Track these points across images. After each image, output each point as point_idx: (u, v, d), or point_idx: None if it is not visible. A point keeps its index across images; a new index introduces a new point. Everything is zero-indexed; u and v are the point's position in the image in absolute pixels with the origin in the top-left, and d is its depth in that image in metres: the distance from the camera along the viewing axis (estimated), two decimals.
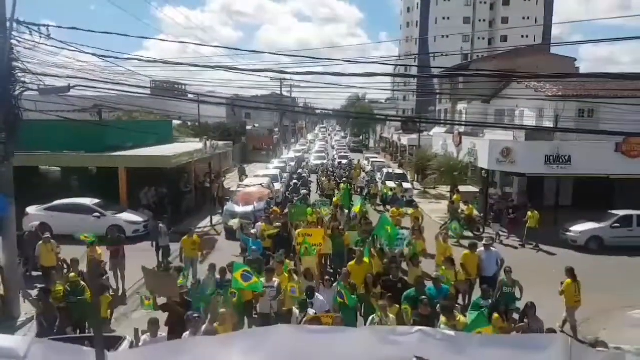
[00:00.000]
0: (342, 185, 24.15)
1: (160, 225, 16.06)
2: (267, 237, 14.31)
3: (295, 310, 8.90)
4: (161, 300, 9.66)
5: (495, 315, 8.98)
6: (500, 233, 20.00)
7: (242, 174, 33.35)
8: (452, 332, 4.48)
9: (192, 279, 12.82)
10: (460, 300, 11.67)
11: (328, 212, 17.83)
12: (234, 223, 16.26)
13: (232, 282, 9.83)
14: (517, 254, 17.28)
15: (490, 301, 9.67)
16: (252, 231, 14.56)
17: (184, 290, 9.80)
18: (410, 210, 18.88)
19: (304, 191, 23.64)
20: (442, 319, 8.53)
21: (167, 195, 22.32)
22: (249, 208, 19.71)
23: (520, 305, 9.92)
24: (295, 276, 10.71)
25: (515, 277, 10.90)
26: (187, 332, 8.02)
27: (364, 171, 35.75)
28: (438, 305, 9.09)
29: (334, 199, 20.84)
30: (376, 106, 76.63)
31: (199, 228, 21.22)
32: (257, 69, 11.39)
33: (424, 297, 9.00)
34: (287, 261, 11.63)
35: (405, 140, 45.89)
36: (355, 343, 4.12)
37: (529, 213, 18.90)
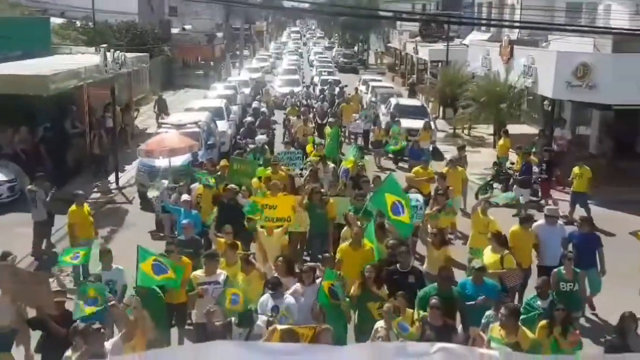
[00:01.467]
0: (327, 130, 23.88)
1: (32, 187, 15.83)
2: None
3: (236, 327, 9.02)
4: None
5: (541, 323, 9.22)
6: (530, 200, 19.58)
7: (162, 110, 31.98)
8: (496, 353, 4.52)
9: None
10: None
11: (303, 166, 17.96)
12: (162, 185, 16.20)
13: (139, 277, 10.05)
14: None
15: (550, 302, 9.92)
16: (184, 197, 14.54)
17: (61, 299, 9.76)
18: (447, 169, 18.12)
19: (262, 137, 23.38)
20: (495, 330, 8.68)
21: (46, 139, 22.07)
22: (178, 160, 19.59)
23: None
24: (257, 266, 10.85)
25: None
26: (76, 354, 8.08)
27: (361, 104, 34.81)
28: (487, 315, 9.24)
29: (308, 148, 20.82)
30: None
31: (97, 191, 21.19)
32: None
33: (434, 298, 9.15)
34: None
35: (425, 52, 45.72)
36: None
37: (576, 170, 18.74)
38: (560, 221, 13.45)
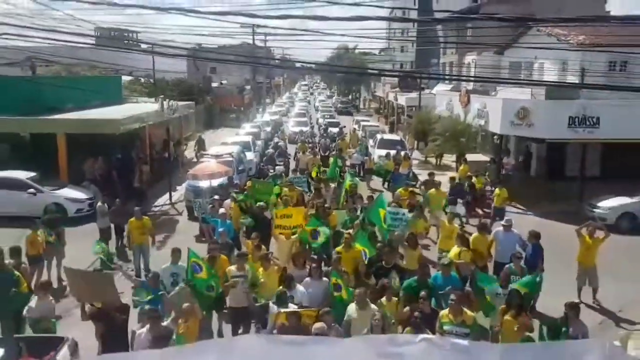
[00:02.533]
0: (330, 161, 23.57)
1: (100, 203, 16.19)
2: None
3: (273, 305, 8.87)
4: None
5: (502, 307, 9.04)
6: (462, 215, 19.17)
7: (201, 148, 30.80)
8: (465, 342, 4.41)
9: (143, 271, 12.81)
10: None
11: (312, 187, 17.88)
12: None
13: (188, 271, 10.00)
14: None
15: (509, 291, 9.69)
16: (221, 211, 14.48)
17: (119, 295, 9.48)
18: (432, 191, 17.58)
19: (279, 167, 23.34)
20: (445, 315, 8.45)
21: (118, 167, 22.08)
22: (216, 182, 19.55)
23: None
24: (273, 263, 10.71)
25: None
26: (144, 329, 7.96)
27: (359, 141, 34.40)
28: (451, 298, 9.04)
29: (313, 173, 20.68)
30: (369, 59, 75.99)
31: (157, 206, 21.12)
32: (224, 12, 11.09)
33: (423, 291, 8.97)
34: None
35: (402, 99, 45.68)
36: (343, 357, 3.99)
37: (497, 191, 18.76)
38: (514, 229, 13.14)
